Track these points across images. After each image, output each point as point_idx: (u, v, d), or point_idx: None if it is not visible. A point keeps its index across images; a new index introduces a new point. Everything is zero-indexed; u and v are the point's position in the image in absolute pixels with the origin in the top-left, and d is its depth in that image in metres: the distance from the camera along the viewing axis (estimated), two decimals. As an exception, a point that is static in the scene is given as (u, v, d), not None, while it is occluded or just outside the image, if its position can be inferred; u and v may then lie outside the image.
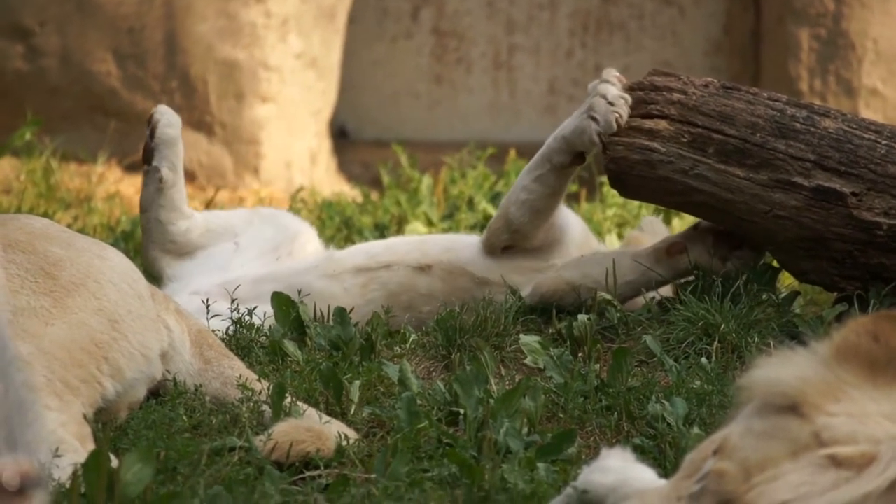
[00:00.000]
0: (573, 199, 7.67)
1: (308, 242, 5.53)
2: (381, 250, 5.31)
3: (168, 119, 5.36)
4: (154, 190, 5.37)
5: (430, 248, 5.25)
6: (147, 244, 5.44)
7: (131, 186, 8.26)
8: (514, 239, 5.13)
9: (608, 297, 4.95)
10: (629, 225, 7.14)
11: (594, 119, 4.93)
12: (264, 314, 4.90)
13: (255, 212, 5.67)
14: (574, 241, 5.22)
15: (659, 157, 4.94)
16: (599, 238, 6.53)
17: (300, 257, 5.43)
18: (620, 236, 6.87)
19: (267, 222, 5.54)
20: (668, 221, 7.00)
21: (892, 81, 8.70)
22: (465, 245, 5.27)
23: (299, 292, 4.97)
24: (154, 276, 5.31)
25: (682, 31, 9.80)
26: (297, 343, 4.71)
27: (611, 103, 4.95)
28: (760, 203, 4.87)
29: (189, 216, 5.44)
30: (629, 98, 4.99)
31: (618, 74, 5.05)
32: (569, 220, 5.25)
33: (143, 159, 5.40)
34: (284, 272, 5.28)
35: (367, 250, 5.35)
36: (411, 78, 9.99)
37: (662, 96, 5.01)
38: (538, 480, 3.65)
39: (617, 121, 4.94)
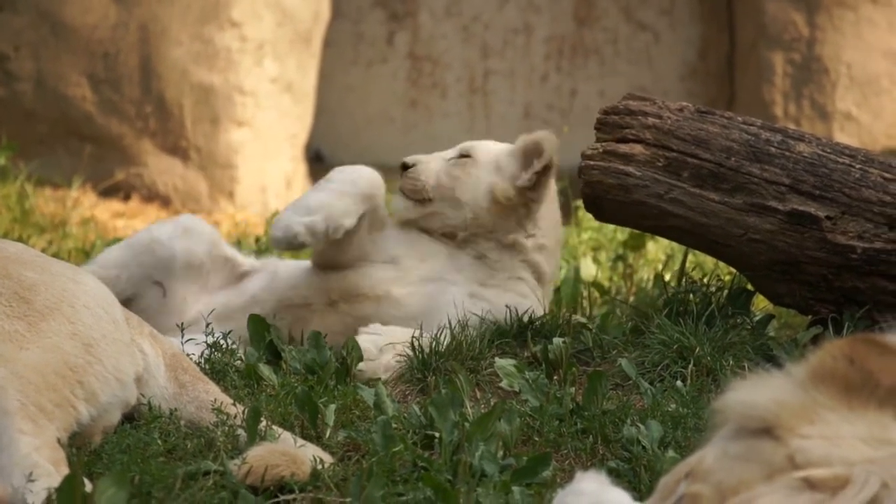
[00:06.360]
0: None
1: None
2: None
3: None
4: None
5: (280, 284, 5.22)
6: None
7: (106, 211, 8.24)
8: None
9: (583, 320, 4.96)
10: (604, 248, 7.15)
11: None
12: (240, 339, 4.91)
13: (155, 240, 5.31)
14: None
15: (634, 181, 4.95)
16: (574, 261, 6.53)
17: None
18: (596, 260, 6.88)
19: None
20: (643, 245, 7.02)
21: (865, 105, 8.74)
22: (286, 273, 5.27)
23: (274, 316, 4.98)
24: None
25: (657, 56, 9.83)
26: (272, 367, 4.71)
27: None
28: (735, 227, 4.88)
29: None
30: None
31: None
32: None
33: None
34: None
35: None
36: (386, 102, 10.00)
37: (637, 121, 5.02)
38: (513, 504, 3.65)
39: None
